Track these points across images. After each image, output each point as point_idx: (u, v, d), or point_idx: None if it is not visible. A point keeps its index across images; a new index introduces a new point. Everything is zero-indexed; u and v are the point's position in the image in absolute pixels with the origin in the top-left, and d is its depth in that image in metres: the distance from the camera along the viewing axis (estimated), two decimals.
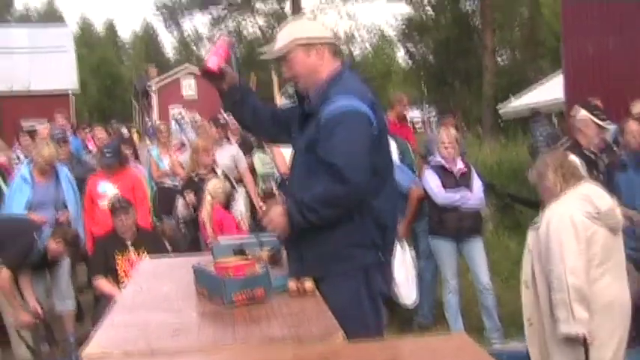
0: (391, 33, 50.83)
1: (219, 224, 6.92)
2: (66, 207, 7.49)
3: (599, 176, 6.07)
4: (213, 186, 7.06)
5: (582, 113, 6.46)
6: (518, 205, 10.25)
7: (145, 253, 6.72)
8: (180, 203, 7.55)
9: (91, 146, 11.45)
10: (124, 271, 6.71)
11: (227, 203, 7.24)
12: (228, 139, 9.44)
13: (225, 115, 9.50)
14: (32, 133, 11.11)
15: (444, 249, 6.93)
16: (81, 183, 7.85)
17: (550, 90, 19.90)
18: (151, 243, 6.97)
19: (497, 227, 11.01)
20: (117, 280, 6.70)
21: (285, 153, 7.13)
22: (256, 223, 8.28)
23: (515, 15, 41.72)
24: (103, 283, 6.76)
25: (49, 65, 38.74)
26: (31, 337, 6.61)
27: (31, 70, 38.58)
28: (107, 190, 7.68)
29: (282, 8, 52.77)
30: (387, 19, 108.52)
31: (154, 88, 62.78)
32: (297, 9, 49.53)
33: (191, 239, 7.45)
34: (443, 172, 6.89)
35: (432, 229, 7.01)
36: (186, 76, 62.45)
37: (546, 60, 34.67)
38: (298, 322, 2.85)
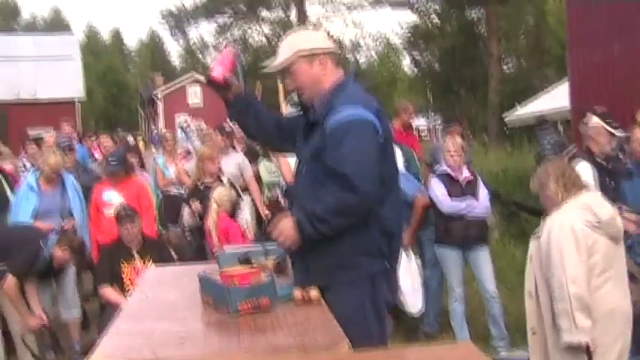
0: (397, 41, 50.84)
1: (224, 233, 6.92)
2: (72, 215, 7.50)
3: (610, 183, 6.06)
4: (219, 194, 7.06)
5: (594, 120, 6.45)
6: (523, 213, 10.23)
7: (151, 261, 6.73)
8: (186, 211, 7.56)
9: (97, 154, 11.47)
10: (129, 279, 6.71)
11: (233, 211, 7.24)
12: (234, 147, 9.45)
13: (230, 124, 9.50)
14: (38, 141, 11.12)
15: (450, 257, 6.92)
16: (87, 191, 7.85)
17: (556, 98, 19.86)
18: (157, 251, 6.97)
19: (503, 235, 11.00)
20: (123, 289, 6.70)
21: (291, 162, 7.13)
22: (262, 232, 8.28)
23: (521, 23, 41.72)
24: (108, 292, 6.76)
25: (55, 73, 38.86)
26: (37, 345, 6.61)
27: (37, 78, 38.69)
28: (112, 198, 7.68)
29: (288, 16, 52.87)
30: (393, 27, 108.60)
31: (159, 96, 62.95)
32: (302, 17, 49.69)
33: (197, 247, 7.44)
34: (449, 181, 6.88)
35: (438, 238, 7.00)
36: (192, 85, 62.62)
37: (552, 68, 34.65)
38: (303, 331, 2.84)
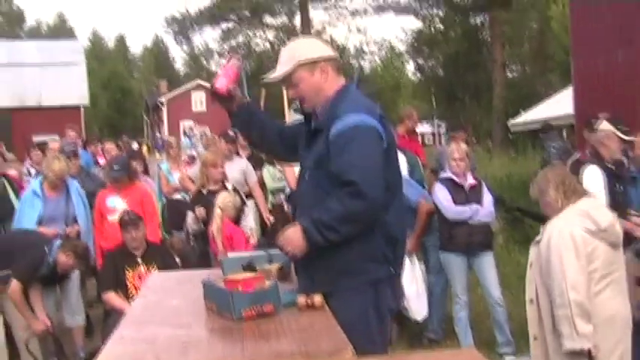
0: (401, 47, 50.90)
1: (229, 239, 6.92)
2: (76, 221, 7.50)
3: (619, 188, 6.05)
4: (223, 200, 7.06)
5: (605, 125, 6.45)
6: (527, 219, 10.22)
7: (155, 267, 6.73)
8: (190, 217, 7.56)
9: (102, 160, 11.49)
10: (133, 285, 6.71)
11: (237, 217, 7.24)
12: (238, 153, 9.46)
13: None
14: (42, 146, 11.15)
15: (455, 264, 6.90)
16: (91, 197, 7.85)
17: (560, 104, 19.87)
18: (161, 257, 6.97)
19: (507, 241, 10.99)
20: (127, 295, 6.70)
21: (296, 169, 7.14)
22: (265, 238, 8.29)
23: (525, 29, 41.74)
24: (112, 298, 6.76)
25: (59, 79, 38.96)
26: (41, 351, 6.61)
27: (41, 84, 38.81)
28: (116, 204, 7.68)
29: (292, 22, 52.96)
30: (397, 33, 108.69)
31: (164, 103, 63.04)
32: (306, 23, 49.75)
33: (201, 253, 7.44)
34: (453, 186, 6.87)
35: (443, 244, 6.99)
36: (197, 91, 62.71)
37: (556, 74, 34.65)
38: (307, 338, 2.84)
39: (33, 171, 10.09)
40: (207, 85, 62.68)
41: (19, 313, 6.48)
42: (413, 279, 6.90)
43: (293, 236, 3.37)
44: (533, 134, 23.66)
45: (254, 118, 3.92)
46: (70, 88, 39.07)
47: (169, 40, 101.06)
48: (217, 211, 6.97)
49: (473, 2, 41.73)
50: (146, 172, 10.15)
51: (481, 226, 6.84)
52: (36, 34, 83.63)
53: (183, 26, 54.76)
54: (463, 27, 43.43)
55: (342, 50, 41.89)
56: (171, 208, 9.22)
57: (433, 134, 63.68)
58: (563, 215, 4.39)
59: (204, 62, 79.06)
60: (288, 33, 51.00)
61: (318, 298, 3.27)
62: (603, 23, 11.94)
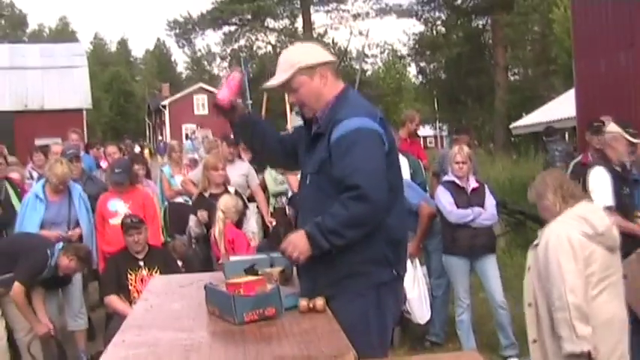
0: (403, 50, 50.89)
1: (230, 242, 6.91)
2: (79, 225, 7.50)
3: (626, 190, 6.05)
4: (225, 203, 7.05)
5: (613, 127, 6.45)
6: (529, 222, 10.22)
7: (157, 271, 6.73)
8: (192, 221, 7.56)
9: (104, 164, 11.49)
10: (135, 289, 6.71)
11: (239, 221, 7.24)
12: (240, 156, 9.46)
13: None
14: (44, 148, 11.15)
15: (457, 267, 6.90)
16: (94, 201, 7.85)
17: (562, 107, 19.86)
18: (163, 261, 6.97)
19: (510, 244, 10.98)
20: (129, 298, 6.70)
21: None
22: (267, 241, 8.28)
23: (527, 32, 41.71)
24: (114, 301, 6.76)
25: (62, 82, 39.00)
26: (43, 355, 6.61)
27: (44, 87, 38.82)
28: (118, 208, 7.68)
29: (294, 25, 53.03)
30: (399, 37, 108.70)
31: (166, 106, 63.12)
32: (308, 26, 49.82)
33: (203, 257, 7.44)
34: (455, 189, 6.87)
35: (445, 247, 6.99)
36: (199, 94, 62.79)
37: (558, 77, 34.62)
38: (309, 341, 2.84)
39: (35, 174, 10.09)
40: (210, 88, 62.96)
41: (20, 317, 6.49)
42: (415, 282, 6.91)
43: (297, 241, 3.36)
44: (535, 137, 23.68)
45: (256, 129, 3.94)
46: (73, 91, 39.10)
47: (171, 44, 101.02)
48: (219, 215, 6.97)
49: (475, 5, 41.77)
50: (148, 175, 10.15)
51: (484, 229, 6.84)
52: (38, 37, 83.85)
53: (185, 29, 54.82)
54: (465, 30, 43.44)
55: (343, 53, 41.85)
56: (174, 211, 9.21)
57: (435, 137, 63.82)
58: (560, 219, 4.40)
59: (207, 65, 79.15)
60: (290, 36, 51.12)
61: (320, 302, 3.27)
62: (605, 25, 11.94)
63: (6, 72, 38.76)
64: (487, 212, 6.85)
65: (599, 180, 6.07)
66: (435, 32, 45.15)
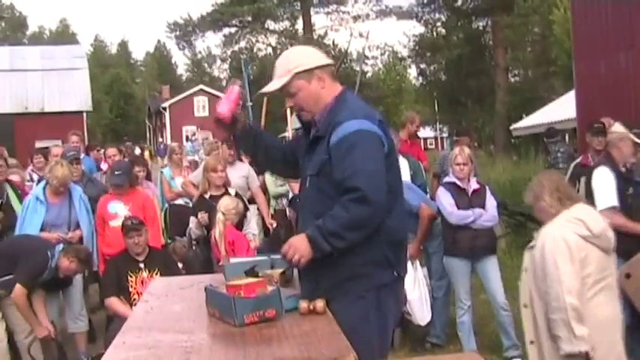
0: (403, 51, 50.93)
1: (231, 244, 6.91)
2: (79, 227, 7.50)
3: (631, 191, 6.06)
4: (226, 205, 7.05)
5: (619, 128, 6.45)
6: (530, 223, 10.22)
7: (158, 273, 6.73)
8: (192, 222, 7.55)
9: (105, 166, 11.48)
10: (136, 291, 6.71)
11: (239, 223, 7.24)
12: (241, 158, 9.46)
13: None
14: (44, 151, 11.15)
15: (458, 268, 6.89)
16: (94, 203, 7.85)
17: (562, 108, 19.87)
18: (164, 263, 6.97)
19: (510, 246, 10.97)
20: (129, 300, 6.69)
21: None
22: (268, 243, 8.28)
23: (527, 33, 41.73)
24: (115, 303, 6.76)
25: (62, 85, 39.05)
26: (43, 357, 6.61)
27: (44, 89, 38.85)
28: (118, 210, 7.68)
29: (294, 27, 53.04)
30: (399, 38, 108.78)
31: (166, 109, 63.12)
32: (308, 27, 49.83)
33: (204, 259, 7.44)
34: (456, 191, 6.87)
35: (446, 249, 6.98)
36: (199, 96, 62.80)
37: (558, 78, 34.64)
38: (309, 343, 2.84)
39: (35, 177, 10.09)
40: (210, 90, 63.01)
41: (21, 319, 6.49)
42: (415, 284, 6.91)
43: (298, 244, 3.36)
44: (535, 138, 23.68)
45: (258, 140, 3.96)
46: (73, 93, 39.16)
47: (172, 46, 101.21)
48: (220, 216, 6.97)
49: (475, 7, 41.81)
50: (148, 177, 10.15)
51: (484, 230, 6.83)
52: (39, 39, 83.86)
53: (185, 31, 54.86)
54: (465, 31, 43.47)
55: (344, 55, 41.88)
56: (174, 213, 9.21)
57: (435, 139, 63.83)
58: (556, 221, 4.42)
59: (207, 67, 79.13)
60: (290, 38, 51.15)
61: (320, 304, 3.27)
62: (605, 26, 11.95)
63: (6, 74, 38.82)
64: (488, 213, 6.85)
65: (604, 180, 6.08)
66: (435, 34, 45.19)
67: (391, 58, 57.26)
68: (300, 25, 52.82)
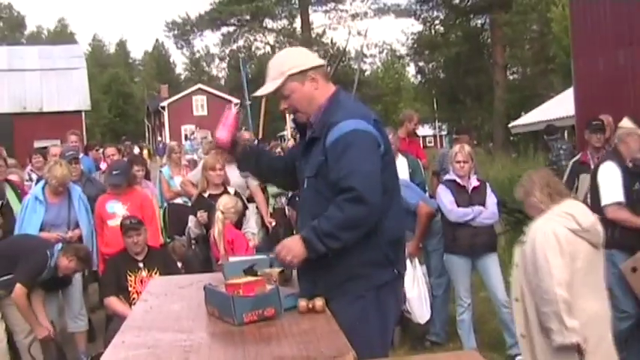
0: (401, 50, 50.94)
1: (230, 243, 6.91)
2: (78, 227, 7.49)
3: (637, 186, 6.06)
4: (224, 204, 7.04)
5: (627, 123, 6.45)
6: (529, 221, 10.19)
7: (157, 272, 6.73)
8: (192, 222, 7.55)
9: (104, 165, 11.48)
10: (135, 290, 6.71)
11: (239, 221, 7.24)
12: None
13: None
14: (43, 151, 11.14)
15: (458, 266, 6.89)
16: (93, 202, 7.84)
17: (561, 105, 19.86)
18: (163, 262, 6.97)
19: (509, 244, 10.96)
20: (128, 300, 6.69)
21: None
22: (267, 242, 8.28)
23: (525, 31, 41.73)
24: (114, 303, 6.76)
25: (61, 84, 39.03)
26: (43, 357, 6.61)
27: (43, 89, 38.84)
28: (116, 209, 7.67)
29: (292, 25, 53.04)
30: (397, 36, 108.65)
31: (165, 108, 63.10)
32: (306, 26, 49.82)
33: (203, 258, 7.43)
34: (456, 189, 6.87)
35: (446, 246, 6.99)
36: (198, 95, 62.78)
37: (557, 75, 34.65)
38: (308, 342, 2.84)
39: (34, 176, 10.08)
40: (209, 89, 63.00)
41: (20, 319, 6.48)
42: (415, 282, 6.90)
43: (292, 245, 3.37)
44: (534, 136, 23.69)
45: (260, 159, 4.01)
46: (72, 93, 39.14)
47: (170, 45, 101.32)
48: (219, 215, 6.96)
49: (473, 4, 41.78)
50: (147, 176, 10.15)
51: (484, 227, 6.83)
52: (37, 39, 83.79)
53: (183, 30, 54.90)
54: (464, 29, 43.46)
55: (342, 53, 41.88)
56: (173, 212, 9.21)
57: (434, 136, 63.87)
58: (546, 216, 4.48)
59: (205, 66, 79.11)
60: (288, 36, 51.18)
61: (319, 302, 3.27)
62: (603, 24, 11.94)
63: (4, 74, 38.80)
64: (488, 211, 6.85)
65: (610, 175, 6.08)
66: (433, 32, 45.16)
67: (389, 56, 57.33)
68: (298, 23, 52.89)
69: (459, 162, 6.92)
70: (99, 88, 69.26)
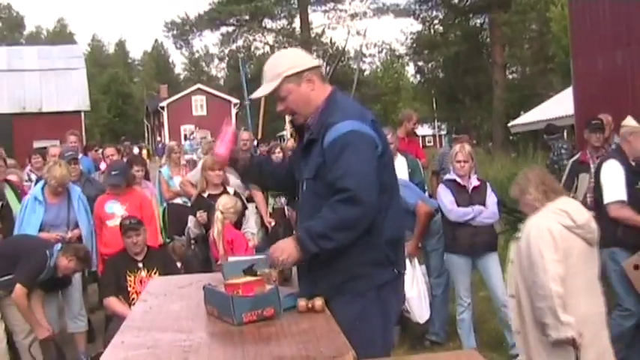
0: (400, 49, 50.93)
1: (229, 243, 6.91)
2: (78, 227, 7.49)
3: (639, 184, 6.07)
4: (224, 204, 7.04)
5: (631, 122, 6.46)
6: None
7: (157, 272, 6.73)
8: (191, 222, 7.55)
9: (104, 166, 11.47)
10: (135, 290, 6.71)
11: (238, 221, 7.24)
12: None
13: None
14: (42, 151, 11.13)
15: (458, 265, 6.89)
16: (92, 203, 7.84)
17: (560, 105, 19.86)
18: (162, 262, 6.97)
19: (509, 243, 10.96)
20: (128, 300, 6.69)
21: None
22: (266, 242, 8.27)
23: (525, 30, 41.74)
24: (114, 303, 6.76)
25: (60, 85, 39.03)
26: (43, 357, 6.61)
27: (42, 89, 38.83)
28: (115, 210, 7.67)
29: (291, 25, 53.03)
30: (397, 36, 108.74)
31: (164, 108, 63.08)
32: (305, 26, 49.81)
33: (202, 258, 7.43)
34: (456, 188, 6.86)
35: (446, 246, 6.99)
36: (197, 95, 62.75)
37: (556, 75, 34.65)
38: (308, 342, 2.84)
39: (34, 177, 10.07)
40: (208, 89, 62.97)
41: (20, 319, 6.48)
42: (414, 281, 6.89)
43: (285, 246, 3.38)
44: (533, 135, 23.68)
45: (262, 171, 4.01)
46: (71, 93, 39.15)
47: (169, 45, 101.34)
48: (218, 215, 6.96)
49: (472, 4, 41.79)
50: (147, 176, 10.15)
51: (484, 227, 6.82)
52: (36, 39, 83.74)
53: (182, 30, 54.83)
54: (463, 29, 43.47)
55: (341, 53, 41.91)
56: (173, 212, 9.21)
57: (434, 136, 63.87)
58: (541, 212, 4.50)
59: (205, 66, 79.09)
60: (287, 36, 51.16)
61: (318, 302, 3.27)
62: (602, 23, 11.94)
63: (4, 74, 38.81)
64: (488, 210, 6.84)
65: (613, 173, 6.09)
66: (432, 31, 45.17)
67: (389, 55, 57.27)
68: (297, 23, 52.84)
69: (459, 161, 6.92)
70: (98, 88, 69.26)
